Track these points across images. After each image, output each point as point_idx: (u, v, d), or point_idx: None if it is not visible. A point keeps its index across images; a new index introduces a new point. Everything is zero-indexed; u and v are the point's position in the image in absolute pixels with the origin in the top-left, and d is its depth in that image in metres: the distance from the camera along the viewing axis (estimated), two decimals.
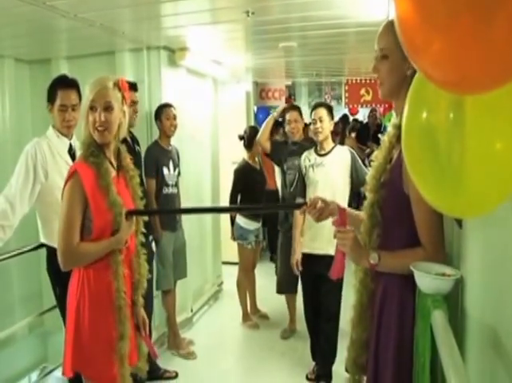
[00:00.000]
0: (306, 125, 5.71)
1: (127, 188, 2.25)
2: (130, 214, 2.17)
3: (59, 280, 2.69)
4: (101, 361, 2.10)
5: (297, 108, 4.50)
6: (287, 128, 4.40)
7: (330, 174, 3.51)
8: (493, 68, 0.82)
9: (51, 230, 2.72)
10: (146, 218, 2.37)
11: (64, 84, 2.89)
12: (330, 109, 3.74)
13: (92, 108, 2.07)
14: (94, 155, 2.09)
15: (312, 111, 3.75)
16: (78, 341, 2.08)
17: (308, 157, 3.72)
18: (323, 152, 3.65)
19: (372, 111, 9.17)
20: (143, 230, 2.35)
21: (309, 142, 4.19)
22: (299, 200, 3.63)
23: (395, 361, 1.65)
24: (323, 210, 1.98)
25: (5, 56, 4.27)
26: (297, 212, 3.80)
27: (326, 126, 3.62)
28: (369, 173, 1.82)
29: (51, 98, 2.87)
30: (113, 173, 2.16)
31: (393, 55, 1.64)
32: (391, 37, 1.53)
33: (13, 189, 2.70)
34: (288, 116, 4.37)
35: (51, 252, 2.76)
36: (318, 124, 3.61)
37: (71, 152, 2.93)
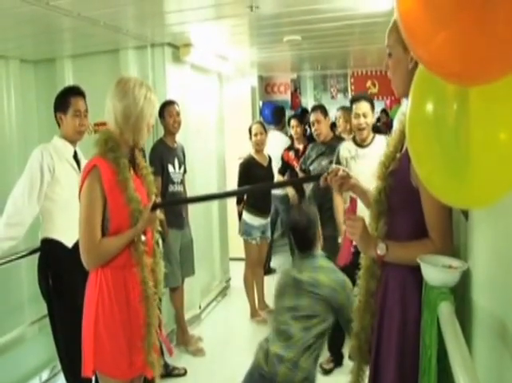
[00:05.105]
0: (333, 124, 5.42)
1: (142, 186, 2.27)
2: (155, 207, 2.21)
3: (52, 274, 2.84)
4: (122, 359, 2.12)
5: (320, 108, 4.34)
6: (312, 130, 4.29)
7: (374, 166, 3.44)
8: (495, 58, 0.82)
9: (53, 224, 2.87)
10: (162, 216, 2.39)
11: (77, 92, 2.96)
12: (372, 102, 3.66)
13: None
14: (113, 151, 2.10)
15: (352, 104, 3.65)
16: (99, 340, 2.09)
17: (348, 149, 3.65)
18: (364, 144, 3.58)
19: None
20: (160, 228, 2.37)
21: (339, 143, 4.11)
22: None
23: (398, 352, 1.66)
24: (345, 179, 1.98)
25: (10, 57, 4.29)
26: (337, 198, 3.70)
27: (370, 121, 3.54)
28: (379, 160, 1.82)
29: (63, 106, 2.91)
30: (131, 170, 2.18)
31: (395, 51, 1.66)
32: (394, 34, 1.61)
33: (21, 189, 2.77)
34: (311, 117, 4.25)
35: (51, 245, 2.87)
36: (362, 120, 3.50)
37: (76, 158, 2.99)
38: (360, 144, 3.59)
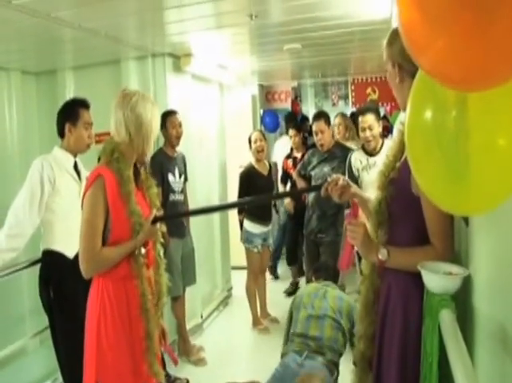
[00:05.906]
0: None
1: (144, 199, 2.27)
2: (156, 220, 2.22)
3: (54, 285, 2.83)
4: (125, 370, 2.12)
5: (324, 117, 4.28)
6: (315, 139, 4.29)
7: None
8: (495, 65, 0.81)
9: (54, 235, 2.87)
10: (164, 228, 2.40)
11: (85, 105, 2.98)
12: (378, 112, 3.67)
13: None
14: (118, 161, 2.11)
15: (358, 117, 3.66)
16: (101, 352, 2.09)
17: (359, 159, 3.64)
18: (374, 152, 3.59)
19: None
20: (162, 240, 2.37)
21: (340, 149, 4.12)
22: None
23: (399, 360, 1.65)
24: (345, 188, 1.99)
25: (11, 68, 4.31)
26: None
27: (376, 132, 3.55)
28: (379, 170, 1.83)
29: (73, 118, 2.91)
30: (133, 183, 2.19)
31: (388, 66, 1.71)
32: (386, 51, 1.67)
33: (22, 200, 2.77)
34: (314, 127, 4.24)
35: (52, 257, 2.87)
36: (368, 133, 3.53)
37: (76, 169, 3.00)
38: (370, 152, 3.60)
